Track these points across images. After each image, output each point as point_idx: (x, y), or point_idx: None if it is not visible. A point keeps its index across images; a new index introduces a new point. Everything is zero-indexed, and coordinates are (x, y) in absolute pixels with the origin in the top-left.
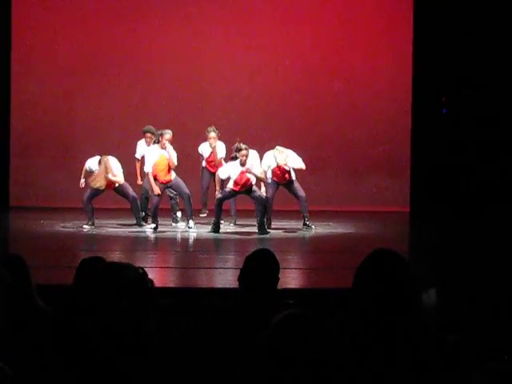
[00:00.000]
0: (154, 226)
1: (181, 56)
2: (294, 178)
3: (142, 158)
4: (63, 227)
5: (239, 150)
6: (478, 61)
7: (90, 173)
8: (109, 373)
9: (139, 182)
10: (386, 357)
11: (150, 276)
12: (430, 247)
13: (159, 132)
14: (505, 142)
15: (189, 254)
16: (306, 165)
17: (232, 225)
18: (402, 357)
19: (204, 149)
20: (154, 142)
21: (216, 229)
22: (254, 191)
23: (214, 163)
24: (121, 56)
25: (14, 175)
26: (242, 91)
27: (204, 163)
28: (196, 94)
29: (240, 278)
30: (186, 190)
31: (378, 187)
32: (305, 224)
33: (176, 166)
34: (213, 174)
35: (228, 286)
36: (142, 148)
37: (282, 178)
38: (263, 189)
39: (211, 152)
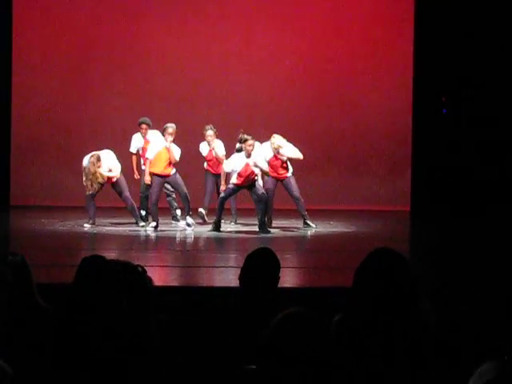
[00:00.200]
0: (154, 224)
1: (181, 55)
2: (291, 172)
3: (138, 151)
4: (62, 226)
5: (245, 140)
6: (479, 61)
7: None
8: (109, 371)
9: (136, 176)
10: (385, 356)
11: (150, 275)
12: (430, 246)
13: (164, 126)
14: (505, 141)
15: (189, 252)
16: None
17: (233, 224)
18: (402, 356)
19: (203, 148)
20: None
21: (217, 228)
22: (256, 188)
23: (212, 162)
24: (121, 55)
25: (15, 174)
26: (242, 90)
27: (205, 165)
28: (196, 93)
29: (241, 277)
30: (184, 189)
31: (379, 186)
32: (305, 223)
33: (177, 163)
34: (216, 176)
35: (229, 284)
36: (137, 141)
37: (279, 168)
38: (260, 182)
39: (209, 151)
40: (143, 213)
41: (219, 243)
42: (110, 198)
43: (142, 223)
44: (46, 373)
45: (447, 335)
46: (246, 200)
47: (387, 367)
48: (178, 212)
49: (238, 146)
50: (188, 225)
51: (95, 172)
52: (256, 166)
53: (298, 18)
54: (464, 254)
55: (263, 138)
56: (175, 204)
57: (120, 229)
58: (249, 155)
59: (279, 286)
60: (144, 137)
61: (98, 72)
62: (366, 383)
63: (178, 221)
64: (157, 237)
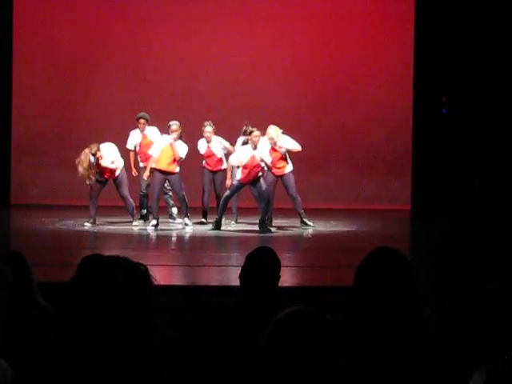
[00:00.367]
0: (154, 222)
1: (181, 53)
2: (290, 168)
3: (135, 148)
4: (62, 225)
5: (250, 132)
6: (479, 61)
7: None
8: (110, 371)
9: (134, 173)
10: (385, 355)
11: (151, 273)
12: (430, 246)
13: (168, 124)
14: (505, 141)
15: (189, 251)
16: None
17: (233, 223)
18: (402, 355)
19: (201, 145)
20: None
21: (217, 226)
22: (260, 184)
23: (211, 159)
24: (122, 53)
25: (15, 173)
26: (242, 89)
27: (203, 162)
28: (196, 92)
29: (241, 276)
30: (182, 191)
31: (380, 185)
32: (302, 222)
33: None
34: (213, 174)
35: (229, 283)
36: (135, 137)
37: (277, 161)
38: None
39: (207, 147)
40: (144, 212)
41: (220, 242)
42: (110, 197)
43: (136, 222)
44: (46, 372)
45: (447, 335)
46: (247, 199)
47: (387, 366)
48: (175, 210)
49: (244, 138)
50: (186, 225)
51: (85, 160)
52: (262, 160)
53: (298, 17)
54: (464, 253)
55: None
56: (171, 202)
57: (120, 228)
58: (255, 147)
59: (279, 284)
60: (142, 131)
61: (98, 71)
62: (366, 383)
63: (174, 219)
64: (156, 236)
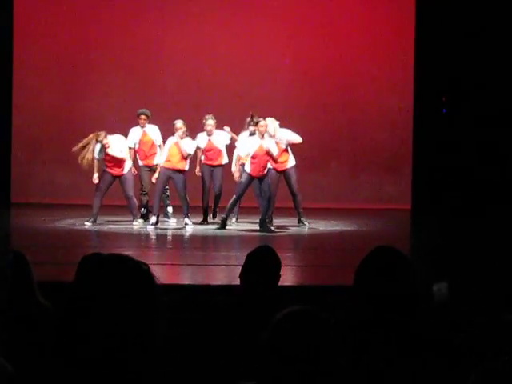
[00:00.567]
0: (154, 220)
1: (182, 52)
2: (293, 163)
3: (134, 145)
4: (63, 224)
5: (257, 122)
6: (479, 61)
7: (97, 160)
8: (111, 371)
9: (134, 172)
10: (385, 355)
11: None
12: (430, 245)
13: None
14: (505, 141)
15: (189, 250)
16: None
17: (234, 221)
18: (402, 355)
19: (202, 139)
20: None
21: (223, 225)
22: (265, 182)
23: (212, 152)
24: (122, 52)
25: (16, 171)
26: (242, 88)
27: (203, 157)
28: (197, 90)
29: (241, 275)
30: (184, 191)
31: (380, 185)
32: (300, 221)
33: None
34: (213, 169)
35: (229, 283)
36: (135, 134)
37: (279, 155)
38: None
39: (208, 141)
40: (144, 211)
41: (220, 241)
42: (111, 196)
43: (136, 222)
44: (46, 371)
45: (447, 335)
46: (248, 199)
47: (387, 366)
48: (170, 209)
49: (251, 129)
50: (186, 224)
51: (87, 141)
52: (268, 152)
53: (298, 17)
54: (464, 253)
55: None
56: (168, 201)
57: (121, 227)
58: (262, 136)
59: (280, 284)
60: (142, 128)
61: (99, 70)
62: (366, 382)
63: (169, 218)
64: (156, 235)
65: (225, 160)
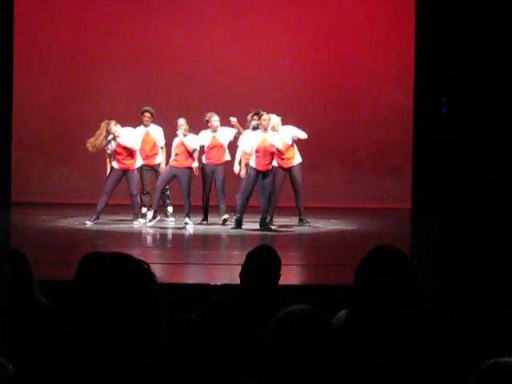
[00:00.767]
0: (151, 215)
1: (183, 52)
2: (299, 160)
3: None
4: (63, 223)
5: (260, 116)
6: (479, 61)
7: (110, 155)
8: (111, 371)
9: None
10: (386, 354)
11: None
12: (430, 245)
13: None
14: (505, 141)
15: (189, 250)
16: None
17: (233, 220)
18: (402, 355)
19: (205, 136)
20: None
21: (239, 225)
22: (268, 179)
23: (216, 149)
24: (122, 51)
25: (16, 170)
26: (243, 88)
27: (204, 159)
28: (199, 90)
29: (241, 275)
30: (189, 190)
31: (380, 184)
32: (300, 220)
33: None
34: (214, 168)
35: (229, 282)
36: (138, 134)
37: (285, 152)
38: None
39: (213, 137)
40: (144, 210)
41: (220, 241)
42: (113, 195)
43: (136, 222)
44: (46, 371)
45: (447, 335)
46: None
47: (388, 365)
48: (170, 209)
49: (254, 123)
50: (186, 224)
51: (101, 134)
52: (273, 146)
53: (299, 17)
54: (464, 252)
55: None
56: (168, 201)
57: (121, 226)
58: (265, 129)
59: (280, 283)
60: (146, 126)
61: (100, 70)
62: (366, 382)
63: (167, 217)
64: (157, 234)
65: (227, 157)
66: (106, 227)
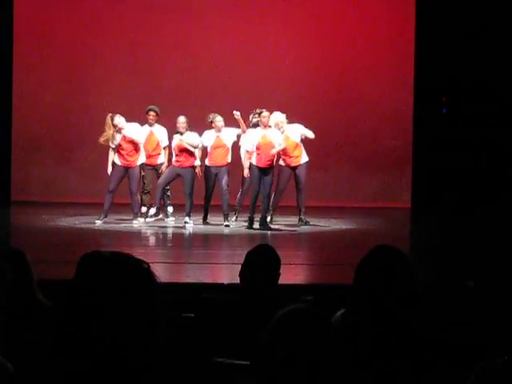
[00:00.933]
0: (154, 211)
1: (184, 51)
2: (306, 159)
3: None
4: (63, 222)
5: (260, 113)
6: (479, 61)
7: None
8: (110, 370)
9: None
10: (385, 354)
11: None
12: (430, 244)
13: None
14: (506, 141)
15: (189, 249)
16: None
17: (234, 219)
18: (402, 354)
19: (209, 136)
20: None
21: (251, 224)
22: (269, 177)
23: (221, 149)
24: (123, 50)
25: (16, 170)
26: (244, 88)
27: (207, 161)
28: (200, 88)
29: (241, 274)
30: (191, 189)
31: (380, 184)
32: (300, 219)
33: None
34: (218, 170)
35: (229, 281)
36: (143, 133)
37: (292, 150)
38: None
39: (216, 137)
40: (144, 209)
41: (220, 240)
42: (114, 194)
43: (136, 221)
44: (46, 370)
45: (447, 335)
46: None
47: (387, 365)
48: (170, 209)
49: (254, 120)
50: (186, 223)
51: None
52: (271, 147)
53: (299, 17)
54: (464, 252)
55: None
56: (168, 201)
57: (121, 225)
58: (265, 126)
59: (279, 282)
60: (151, 126)
61: (100, 70)
62: (366, 381)
63: (167, 217)
64: (157, 234)
65: (229, 159)
66: (106, 226)
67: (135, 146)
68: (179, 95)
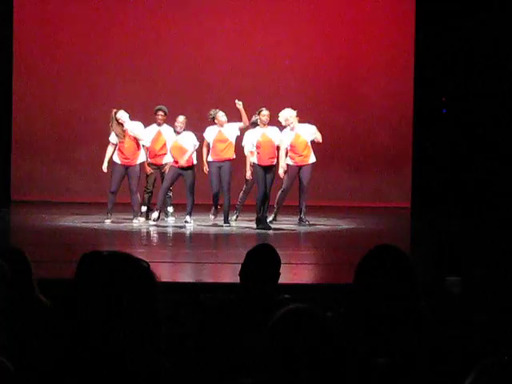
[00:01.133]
0: (156, 215)
1: (184, 50)
2: (313, 159)
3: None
4: (63, 222)
5: (260, 111)
6: (479, 60)
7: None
8: (110, 369)
9: (149, 171)
10: (386, 353)
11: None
12: (430, 244)
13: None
14: (506, 141)
15: (189, 249)
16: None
17: (234, 218)
18: (402, 353)
19: (211, 132)
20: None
21: (262, 224)
22: (270, 176)
23: (224, 144)
24: (124, 50)
25: (16, 169)
26: (245, 87)
27: (210, 157)
28: (201, 87)
29: (241, 273)
30: (193, 188)
31: (380, 183)
32: (300, 218)
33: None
34: (221, 165)
35: (229, 281)
36: (150, 132)
37: (303, 149)
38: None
39: (218, 132)
40: (144, 209)
41: (219, 239)
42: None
43: (136, 220)
44: (46, 370)
45: (446, 334)
46: (249, 196)
47: (387, 364)
48: (170, 209)
49: (253, 119)
50: (186, 222)
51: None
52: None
53: (299, 18)
54: (464, 252)
55: None
56: (169, 201)
57: (121, 225)
58: (264, 125)
59: (279, 282)
60: (159, 126)
61: (100, 69)
62: (366, 381)
63: (167, 216)
64: (157, 233)
65: (233, 155)
66: (106, 225)
67: (136, 144)
68: (180, 95)
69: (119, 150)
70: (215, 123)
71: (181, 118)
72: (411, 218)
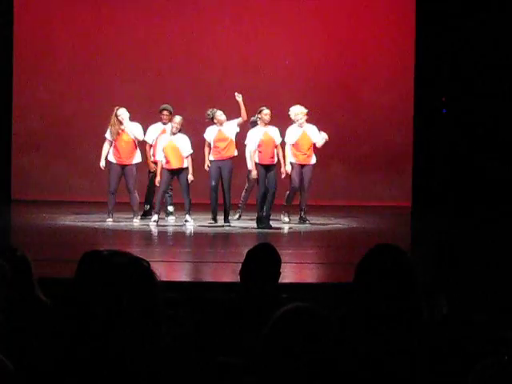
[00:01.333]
0: (156, 218)
1: (184, 50)
2: (314, 160)
3: (152, 141)
4: (64, 221)
5: (260, 110)
6: (479, 61)
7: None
8: (110, 368)
9: (153, 168)
10: (386, 353)
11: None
12: (430, 243)
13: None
14: (506, 141)
15: (190, 248)
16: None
17: (236, 217)
18: (402, 353)
19: (211, 131)
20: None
21: (262, 223)
22: (271, 175)
23: (226, 142)
24: (123, 49)
25: (16, 168)
26: (246, 88)
27: (211, 156)
28: (201, 87)
29: (241, 273)
30: (188, 187)
31: (380, 183)
32: (301, 217)
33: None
34: (222, 164)
35: (229, 280)
36: (155, 132)
37: (307, 149)
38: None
39: (218, 131)
40: (147, 207)
41: (220, 239)
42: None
43: (136, 219)
44: (46, 368)
45: (447, 333)
46: (251, 196)
47: (388, 364)
48: (171, 208)
49: (253, 118)
50: (186, 221)
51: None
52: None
53: (299, 18)
54: (464, 251)
55: None
56: (170, 200)
57: (121, 224)
58: (265, 124)
59: (280, 281)
60: (164, 124)
61: (100, 69)
62: (366, 380)
63: (167, 215)
64: (157, 232)
65: (235, 152)
66: (106, 225)
67: (133, 144)
68: (180, 95)
69: (115, 148)
70: (214, 123)
71: (177, 119)
72: (411, 218)
